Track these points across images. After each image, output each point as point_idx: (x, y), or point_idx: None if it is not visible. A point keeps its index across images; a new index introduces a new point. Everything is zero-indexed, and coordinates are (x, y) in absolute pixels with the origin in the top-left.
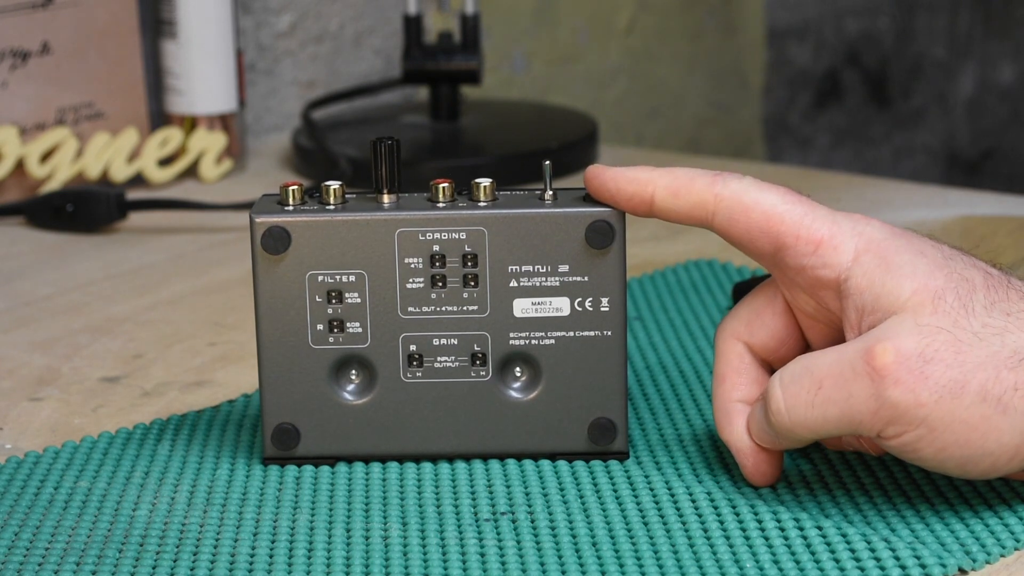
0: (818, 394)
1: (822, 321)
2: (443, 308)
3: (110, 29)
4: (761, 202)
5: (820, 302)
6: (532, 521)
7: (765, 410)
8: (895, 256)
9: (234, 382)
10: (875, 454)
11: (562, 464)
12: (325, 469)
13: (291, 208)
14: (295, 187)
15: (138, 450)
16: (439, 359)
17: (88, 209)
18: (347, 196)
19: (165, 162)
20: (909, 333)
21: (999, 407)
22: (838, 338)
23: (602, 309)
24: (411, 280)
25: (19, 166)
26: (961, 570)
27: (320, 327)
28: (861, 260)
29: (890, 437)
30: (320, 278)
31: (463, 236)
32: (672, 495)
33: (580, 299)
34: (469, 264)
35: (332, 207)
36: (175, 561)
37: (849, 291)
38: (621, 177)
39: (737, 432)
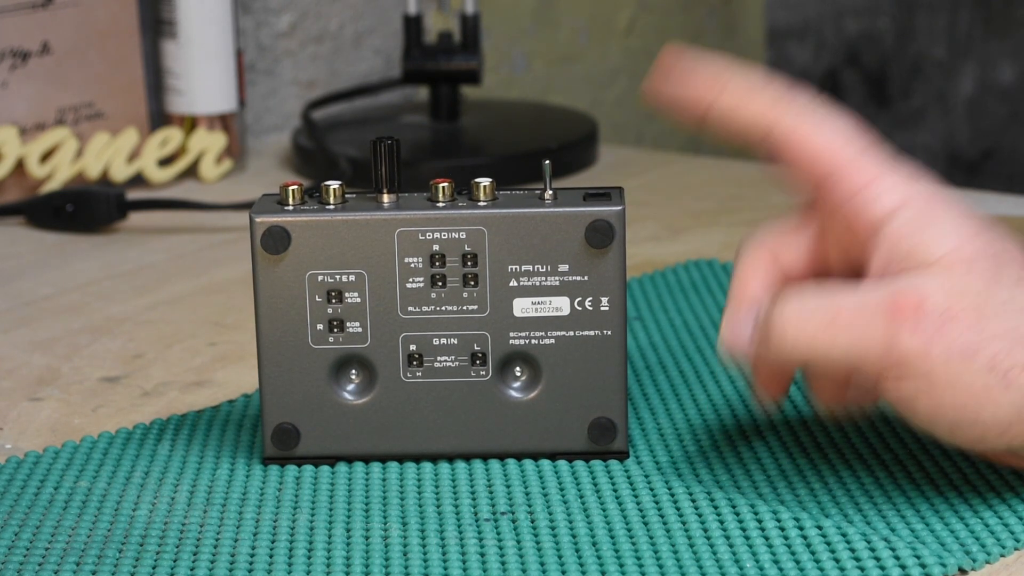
0: (834, 320)
1: (852, 257)
2: (443, 308)
3: (110, 29)
4: (821, 131)
5: (854, 240)
6: (532, 521)
7: (767, 322)
8: (940, 213)
9: (234, 382)
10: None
11: (562, 464)
12: (325, 469)
13: (291, 208)
14: (295, 187)
15: (138, 450)
16: (439, 359)
17: (88, 209)
18: (347, 196)
19: (165, 162)
20: (939, 288)
21: (1004, 381)
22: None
23: (602, 309)
24: (411, 280)
25: (19, 166)
26: (961, 570)
27: (320, 327)
28: (905, 209)
29: (889, 380)
30: (320, 278)
31: (463, 236)
32: (672, 495)
33: (580, 299)
34: (469, 264)
35: (332, 207)
36: (175, 561)
37: (886, 236)
38: (691, 75)
39: None
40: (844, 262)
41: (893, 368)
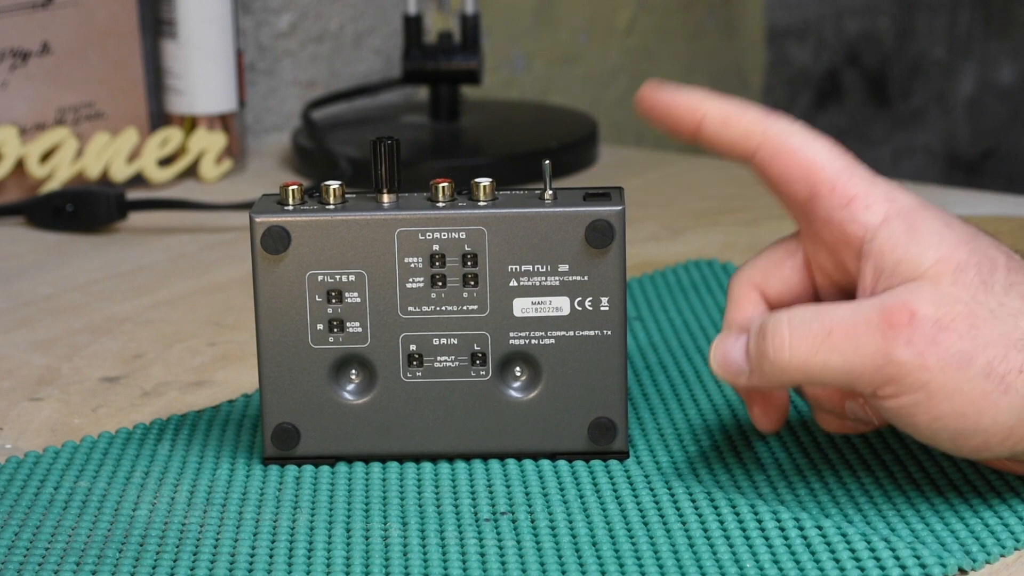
0: (825, 340)
1: (838, 282)
2: (443, 308)
3: (110, 29)
4: (806, 147)
5: (840, 260)
6: (532, 521)
7: (758, 346)
8: (923, 224)
9: (234, 382)
10: (877, 424)
11: (562, 464)
12: (325, 469)
13: (291, 208)
14: (295, 187)
15: (138, 450)
16: (439, 359)
17: (88, 209)
18: (347, 196)
19: (165, 162)
20: (928, 299)
21: (1001, 385)
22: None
23: (602, 309)
24: (411, 280)
25: (19, 166)
26: (961, 570)
27: (320, 327)
28: (889, 223)
29: (886, 397)
30: (320, 278)
31: (463, 236)
32: (672, 495)
33: (580, 298)
34: (469, 264)
35: (332, 207)
36: (175, 561)
37: (871, 252)
38: (675, 98)
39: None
40: (831, 288)
41: (890, 383)
